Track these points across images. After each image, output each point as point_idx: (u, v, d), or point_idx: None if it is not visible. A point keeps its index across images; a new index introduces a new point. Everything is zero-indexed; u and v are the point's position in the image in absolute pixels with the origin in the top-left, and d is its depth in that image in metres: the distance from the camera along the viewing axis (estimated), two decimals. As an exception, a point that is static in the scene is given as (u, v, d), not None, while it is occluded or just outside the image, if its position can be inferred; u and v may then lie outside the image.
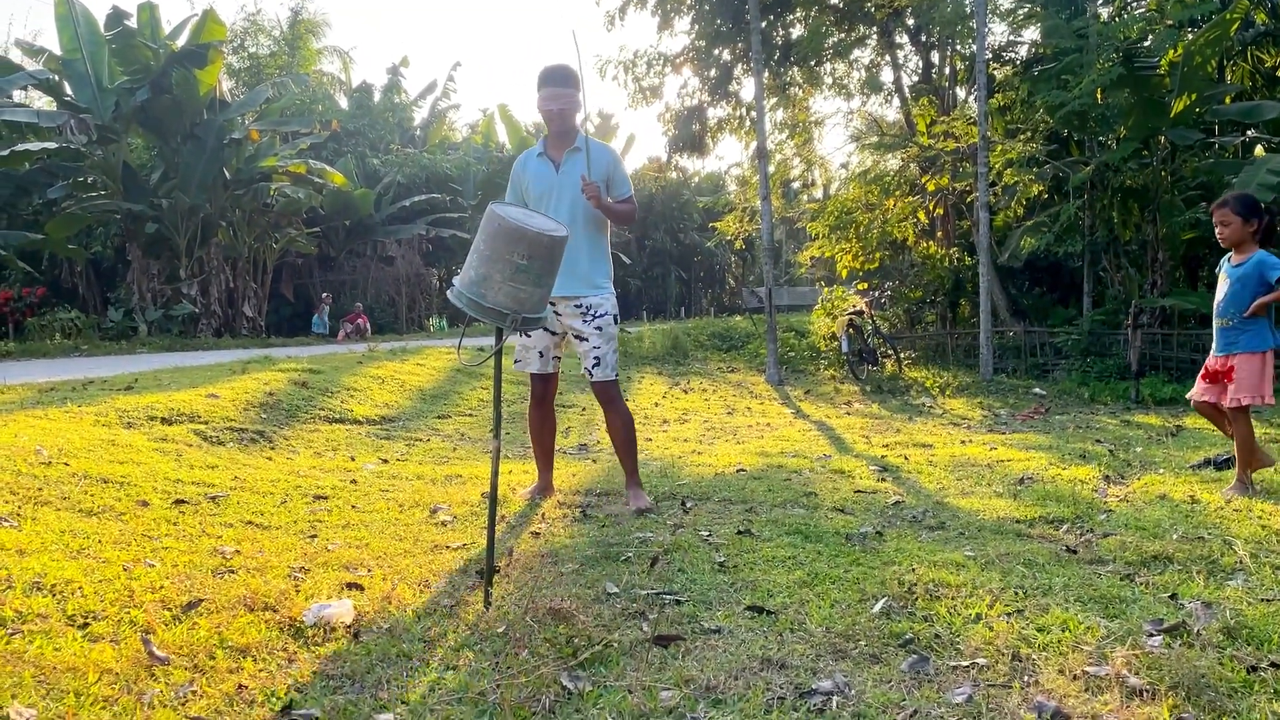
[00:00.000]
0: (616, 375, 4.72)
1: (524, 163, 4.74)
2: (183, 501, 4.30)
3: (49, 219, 20.85)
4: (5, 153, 18.36)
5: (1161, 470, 5.60)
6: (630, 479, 4.79)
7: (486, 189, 30.17)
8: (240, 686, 2.32)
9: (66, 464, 4.61)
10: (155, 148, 22.84)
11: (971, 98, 15.98)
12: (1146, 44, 13.14)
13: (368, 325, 24.62)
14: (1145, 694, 2.27)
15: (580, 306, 4.60)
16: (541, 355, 4.74)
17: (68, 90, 20.40)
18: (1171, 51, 12.31)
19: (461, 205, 30.85)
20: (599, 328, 4.60)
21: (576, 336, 4.65)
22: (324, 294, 26.38)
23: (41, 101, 23.82)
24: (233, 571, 3.22)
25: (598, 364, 4.62)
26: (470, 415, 8.99)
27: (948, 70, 17.88)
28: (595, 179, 4.52)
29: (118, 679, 2.29)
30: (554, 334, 4.72)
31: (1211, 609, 2.87)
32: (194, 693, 2.27)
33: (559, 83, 4.46)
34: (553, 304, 4.61)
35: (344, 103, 33.26)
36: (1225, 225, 4.86)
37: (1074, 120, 13.34)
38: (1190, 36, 12.44)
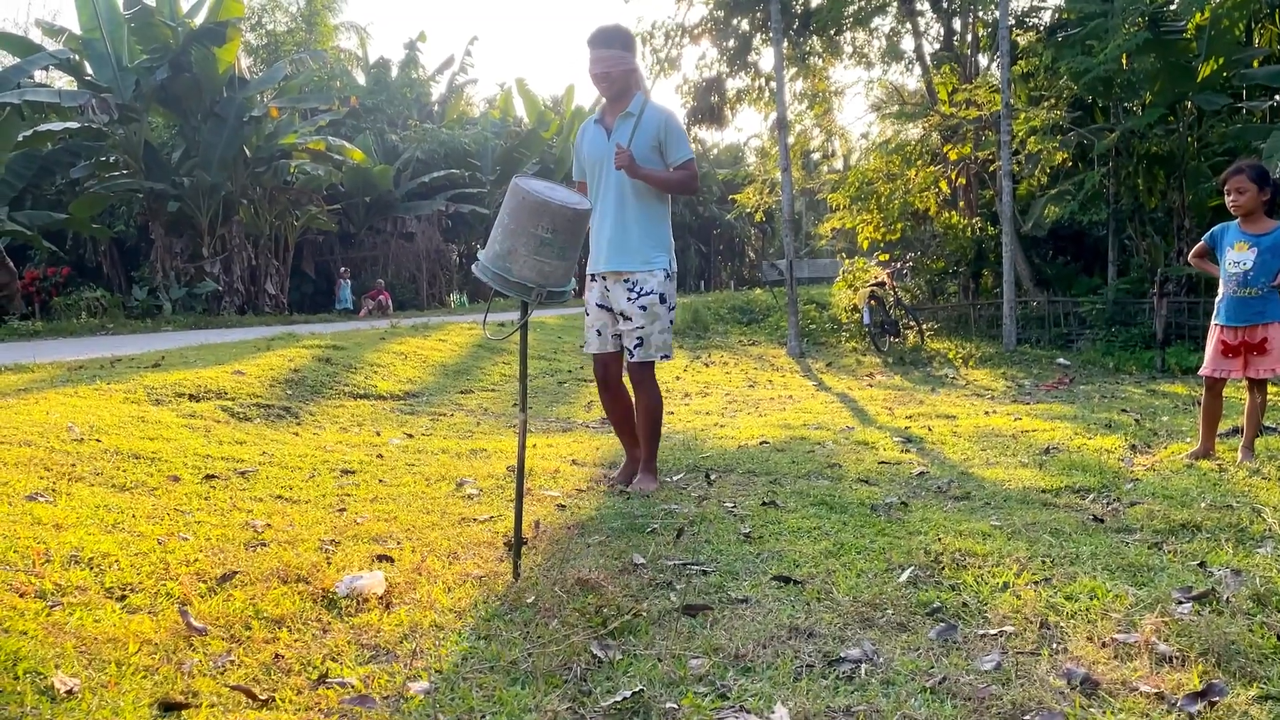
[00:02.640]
0: (664, 357, 4.44)
1: (582, 131, 4.52)
2: (213, 476, 4.35)
3: (72, 199, 21.02)
4: (28, 133, 18.45)
5: (1188, 439, 5.57)
6: (646, 463, 4.54)
7: (505, 164, 30.17)
8: (277, 656, 2.36)
9: (98, 440, 4.67)
10: (176, 126, 22.93)
11: (994, 65, 15.81)
12: (1173, 8, 12.94)
13: (389, 301, 24.74)
14: (1175, 661, 2.27)
15: (628, 282, 4.34)
16: (599, 334, 4.50)
17: (88, 70, 20.48)
18: (1198, 15, 12.10)
19: (480, 180, 30.85)
20: (643, 307, 4.32)
21: (621, 315, 4.40)
22: (342, 268, 26.51)
23: (62, 81, 23.91)
24: (265, 544, 3.26)
25: (640, 344, 4.36)
26: (493, 390, 9.03)
27: (970, 37, 17.67)
28: (644, 144, 4.25)
29: (157, 649, 2.33)
30: (609, 310, 4.47)
31: (1241, 576, 2.86)
32: (232, 662, 2.31)
33: (602, 44, 4.22)
34: (603, 278, 4.43)
35: (362, 79, 33.25)
36: (1241, 193, 4.80)
37: (1099, 86, 13.17)
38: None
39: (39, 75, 21.62)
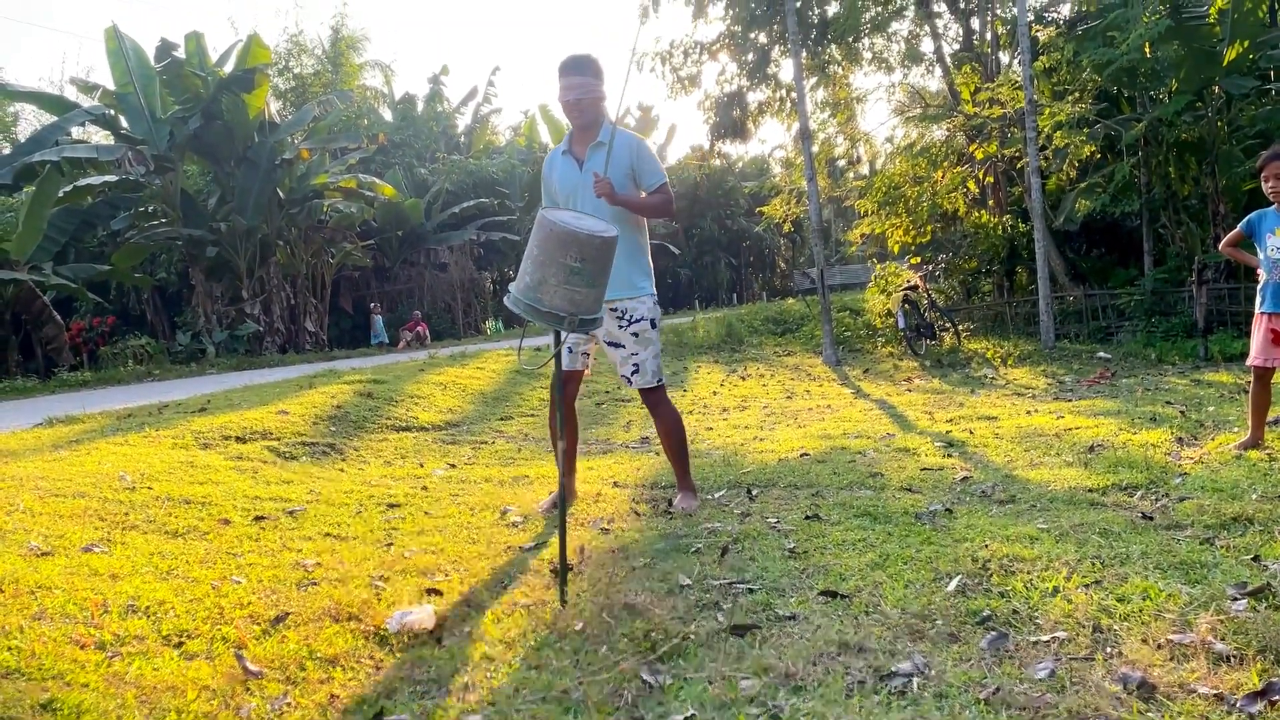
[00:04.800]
0: (660, 381, 4.47)
1: (550, 162, 4.53)
2: (262, 517, 4.42)
3: (114, 250, 21.48)
4: (69, 188, 18.91)
5: (1236, 429, 5.48)
6: (681, 482, 4.59)
7: (533, 190, 30.38)
8: (332, 696, 2.39)
9: (149, 488, 4.76)
10: (210, 173, 23.38)
11: (1015, 62, 15.70)
12: (1194, -8, 12.79)
13: (427, 332, 24.98)
14: (1232, 660, 2.24)
15: (616, 310, 4.34)
16: (570, 351, 4.47)
17: (123, 123, 20.96)
18: (1220, 0, 11.98)
19: (510, 208, 31.12)
20: (635, 334, 4.36)
21: (610, 343, 4.42)
22: (372, 304, 26.84)
23: (99, 136, 24.52)
24: (315, 583, 3.31)
25: (636, 371, 4.40)
26: (532, 415, 9.08)
27: (989, 36, 17.58)
28: (617, 172, 4.24)
29: (215, 695, 2.37)
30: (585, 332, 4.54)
31: (1296, 569, 2.81)
32: (289, 705, 2.35)
33: (574, 71, 4.21)
34: None
35: (388, 115, 33.71)
36: None
37: (1123, 77, 13.06)
38: (1240, -19, 12.08)
39: (76, 131, 22.13)
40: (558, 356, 3.23)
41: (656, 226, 38.38)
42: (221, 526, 4.21)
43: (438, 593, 3.21)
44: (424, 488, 5.39)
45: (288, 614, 2.93)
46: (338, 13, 45.31)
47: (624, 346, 4.39)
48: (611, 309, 4.34)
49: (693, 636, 2.66)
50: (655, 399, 4.49)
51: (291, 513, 4.55)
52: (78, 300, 21.88)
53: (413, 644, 2.75)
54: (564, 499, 3.23)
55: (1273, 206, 4.88)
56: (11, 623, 2.64)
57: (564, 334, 3.17)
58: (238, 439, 6.63)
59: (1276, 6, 13.43)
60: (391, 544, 4.00)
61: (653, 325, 4.42)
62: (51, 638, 2.61)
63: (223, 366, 18.50)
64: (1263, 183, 4.85)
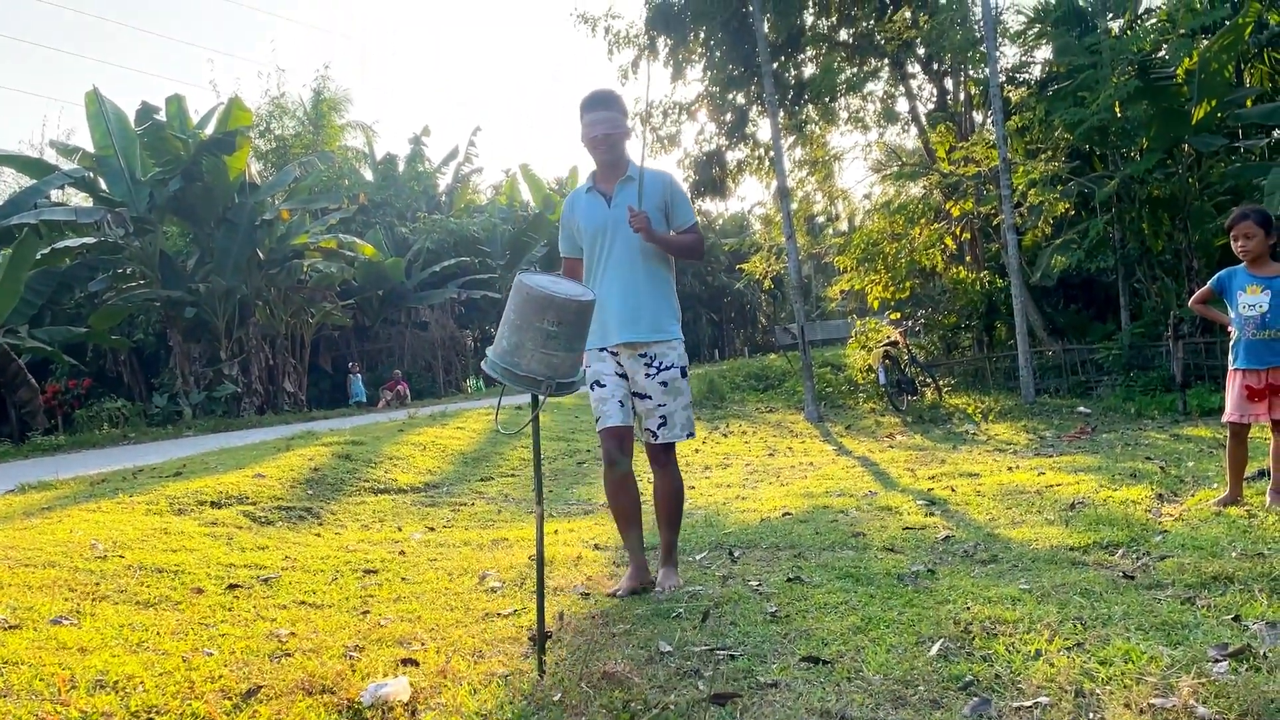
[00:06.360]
0: (690, 435, 4.13)
1: (573, 202, 4.24)
2: (236, 586, 4.35)
3: (91, 312, 21.39)
4: (46, 251, 18.86)
5: (1215, 484, 5.50)
6: (667, 556, 4.18)
7: (514, 248, 30.58)
8: (303, 774, 2.33)
9: (121, 556, 4.68)
10: (190, 234, 23.40)
11: (989, 121, 16.01)
12: (1161, 54, 13.15)
13: (407, 391, 24.89)
14: (1215, 724, 2.22)
15: (644, 356, 4.04)
16: (622, 405, 4.08)
17: (103, 186, 21.00)
18: (1187, 60, 12.30)
19: (490, 266, 31.27)
20: (664, 383, 4.03)
21: (637, 394, 4.08)
22: (350, 363, 26.77)
23: (78, 198, 24.50)
24: (289, 654, 3.25)
25: (664, 424, 4.04)
26: (513, 475, 9.01)
27: (963, 96, 17.92)
28: (650, 208, 4.01)
29: (183, 774, 2.31)
30: (626, 378, 4.12)
31: (1276, 629, 2.81)
32: (258, 783, 2.29)
33: (600, 106, 4.01)
34: (614, 353, 4.10)
35: (369, 175, 33.94)
36: (1250, 239, 4.85)
37: (1094, 136, 13.33)
38: (1205, 43, 12.43)
39: (55, 194, 22.16)
40: (535, 421, 3.21)
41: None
42: (194, 596, 4.14)
43: (414, 663, 3.15)
44: (402, 552, 5.32)
45: (260, 687, 2.87)
46: (319, 75, 45.68)
47: (650, 398, 4.05)
48: (639, 354, 4.06)
49: (673, 706, 2.62)
50: (668, 456, 4.12)
51: (266, 580, 4.48)
52: (54, 363, 21.71)
53: (387, 718, 2.69)
54: (541, 564, 3.19)
55: (1242, 264, 4.96)
56: (-26, 701, 2.58)
57: (545, 401, 3.16)
58: (213, 504, 6.54)
59: (1242, 66, 13.78)
60: (368, 612, 3.93)
61: (683, 374, 4.10)
62: (17, 716, 2.54)
63: (200, 428, 18.35)
64: (1232, 242, 4.94)
